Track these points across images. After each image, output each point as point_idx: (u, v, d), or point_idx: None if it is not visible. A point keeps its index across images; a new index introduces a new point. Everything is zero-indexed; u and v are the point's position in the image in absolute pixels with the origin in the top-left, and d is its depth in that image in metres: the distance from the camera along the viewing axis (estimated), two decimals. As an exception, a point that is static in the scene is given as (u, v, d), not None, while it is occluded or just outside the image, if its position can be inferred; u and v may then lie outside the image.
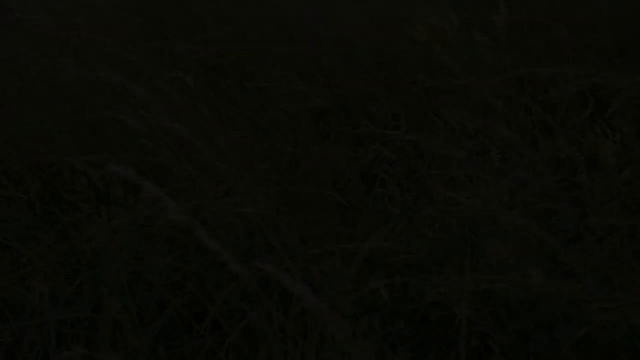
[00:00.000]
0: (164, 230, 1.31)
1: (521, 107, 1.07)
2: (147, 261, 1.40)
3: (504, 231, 0.87)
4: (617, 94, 0.64)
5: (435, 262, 1.33)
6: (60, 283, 1.33)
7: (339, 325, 0.50)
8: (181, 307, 1.23)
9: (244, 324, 1.08)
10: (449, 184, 1.23)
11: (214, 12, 2.84)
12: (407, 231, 1.22)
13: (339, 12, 2.72)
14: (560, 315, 0.91)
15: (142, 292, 1.33)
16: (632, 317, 0.84)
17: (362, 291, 1.06)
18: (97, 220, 1.37)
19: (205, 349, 1.20)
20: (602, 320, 1.03)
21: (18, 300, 1.32)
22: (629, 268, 1.01)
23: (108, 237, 1.33)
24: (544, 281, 1.02)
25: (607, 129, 1.07)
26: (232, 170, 1.15)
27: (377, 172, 1.50)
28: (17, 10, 2.76)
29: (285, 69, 2.45)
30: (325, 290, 1.14)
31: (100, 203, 1.48)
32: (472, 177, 1.28)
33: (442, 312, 1.07)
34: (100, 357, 0.71)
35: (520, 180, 1.28)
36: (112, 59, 2.13)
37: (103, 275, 1.29)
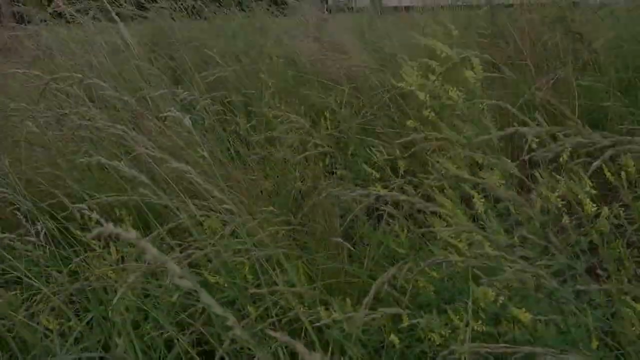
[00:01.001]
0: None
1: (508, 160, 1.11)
2: (155, 299, 1.42)
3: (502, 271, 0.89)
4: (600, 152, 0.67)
5: (443, 301, 1.34)
6: (69, 320, 1.34)
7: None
8: (189, 346, 1.24)
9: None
10: (449, 224, 1.24)
11: (224, 50, 2.92)
12: (414, 270, 1.22)
13: (348, 51, 2.79)
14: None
15: (150, 330, 1.34)
16: None
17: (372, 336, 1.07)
18: (107, 259, 1.40)
19: (212, 388, 1.20)
20: None
21: (28, 336, 1.34)
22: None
23: (118, 276, 1.36)
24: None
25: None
26: (239, 211, 1.17)
27: (382, 210, 1.51)
28: (35, 47, 2.87)
29: (294, 105, 2.51)
30: (334, 332, 1.15)
31: (111, 241, 1.50)
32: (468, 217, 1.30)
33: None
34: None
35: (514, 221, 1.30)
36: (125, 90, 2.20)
37: (112, 313, 1.30)
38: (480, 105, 1.23)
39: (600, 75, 2.61)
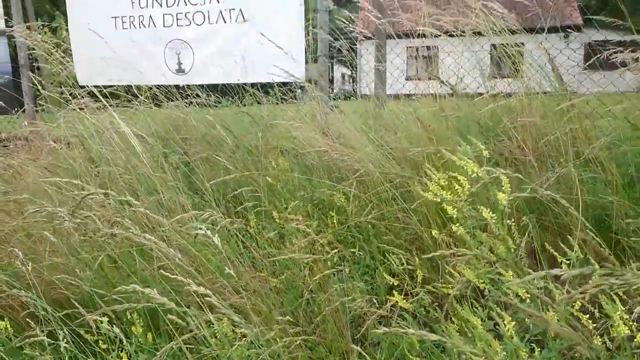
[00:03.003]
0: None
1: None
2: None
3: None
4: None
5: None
6: None
7: None
8: None
9: None
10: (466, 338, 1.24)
11: (235, 142, 3.02)
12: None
13: (354, 144, 2.88)
14: None
15: None
16: None
17: None
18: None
19: None
20: None
21: None
22: None
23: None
24: None
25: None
26: (251, 322, 1.17)
27: (395, 315, 1.50)
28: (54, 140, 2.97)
29: (303, 199, 2.56)
30: None
31: (123, 340, 1.49)
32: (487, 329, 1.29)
33: None
34: None
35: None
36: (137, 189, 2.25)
37: None
38: (508, 224, 1.26)
39: (602, 171, 2.67)
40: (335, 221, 2.16)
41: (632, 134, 2.80)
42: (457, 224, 1.30)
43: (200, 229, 1.19)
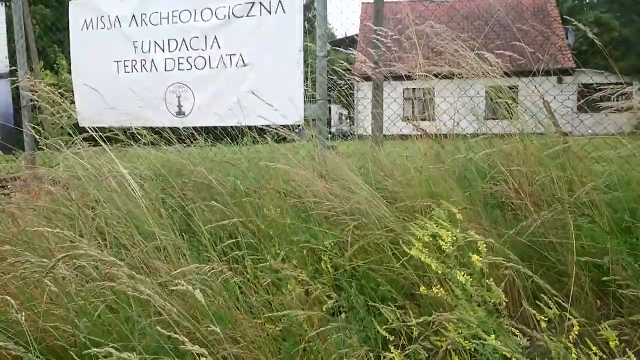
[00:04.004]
0: None
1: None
2: None
3: None
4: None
5: None
6: None
7: None
8: None
9: None
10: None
11: (235, 184, 3.04)
12: None
13: (351, 187, 2.90)
14: None
15: None
16: None
17: None
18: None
19: None
20: None
21: None
22: None
23: None
24: None
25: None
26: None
27: None
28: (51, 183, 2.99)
29: (298, 244, 2.56)
30: None
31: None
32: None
33: None
34: None
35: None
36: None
37: None
38: (487, 283, 1.27)
39: (598, 216, 2.68)
40: (328, 266, 2.16)
41: (626, 179, 2.83)
42: (438, 286, 1.32)
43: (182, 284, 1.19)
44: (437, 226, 1.35)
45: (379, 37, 3.85)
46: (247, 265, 2.12)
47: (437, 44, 3.55)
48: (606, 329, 1.25)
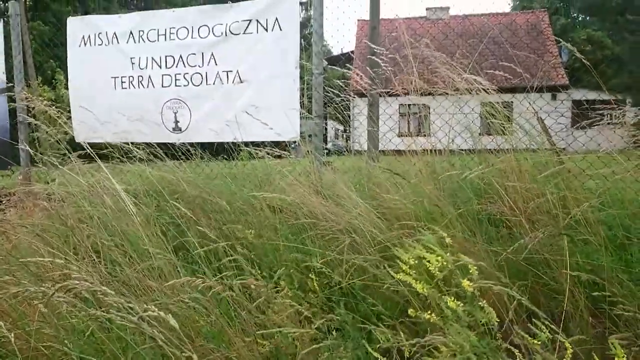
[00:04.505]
0: None
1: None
2: None
3: None
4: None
5: None
6: None
7: None
8: None
9: None
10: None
11: (231, 204, 3.04)
12: None
13: (345, 204, 2.91)
14: None
15: None
16: None
17: None
18: None
19: None
20: None
21: None
22: None
23: None
24: None
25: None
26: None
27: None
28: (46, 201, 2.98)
29: (294, 261, 2.55)
30: None
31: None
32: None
33: None
34: None
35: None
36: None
37: None
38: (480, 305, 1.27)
39: (592, 233, 2.69)
40: (316, 285, 2.15)
41: (620, 196, 2.85)
42: (429, 312, 1.32)
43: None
44: (425, 250, 1.35)
45: (374, 56, 3.89)
46: (234, 285, 2.11)
47: (432, 62, 3.59)
48: (614, 346, 1.24)
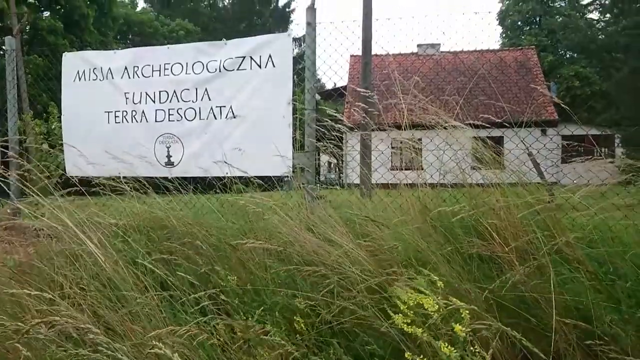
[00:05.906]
0: None
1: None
2: None
3: None
4: None
5: None
6: None
7: None
8: None
9: None
10: None
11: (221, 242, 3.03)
12: None
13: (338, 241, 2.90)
14: None
15: None
16: None
17: None
18: None
19: None
20: None
21: None
22: None
23: None
24: None
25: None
26: None
27: None
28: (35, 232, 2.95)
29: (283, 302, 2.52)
30: None
31: None
32: None
33: None
34: None
35: None
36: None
37: None
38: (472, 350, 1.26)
39: (584, 272, 2.69)
40: (302, 326, 2.13)
41: (609, 234, 2.87)
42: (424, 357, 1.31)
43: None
44: (418, 294, 1.35)
45: (367, 94, 3.96)
46: (219, 329, 2.09)
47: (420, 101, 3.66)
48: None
